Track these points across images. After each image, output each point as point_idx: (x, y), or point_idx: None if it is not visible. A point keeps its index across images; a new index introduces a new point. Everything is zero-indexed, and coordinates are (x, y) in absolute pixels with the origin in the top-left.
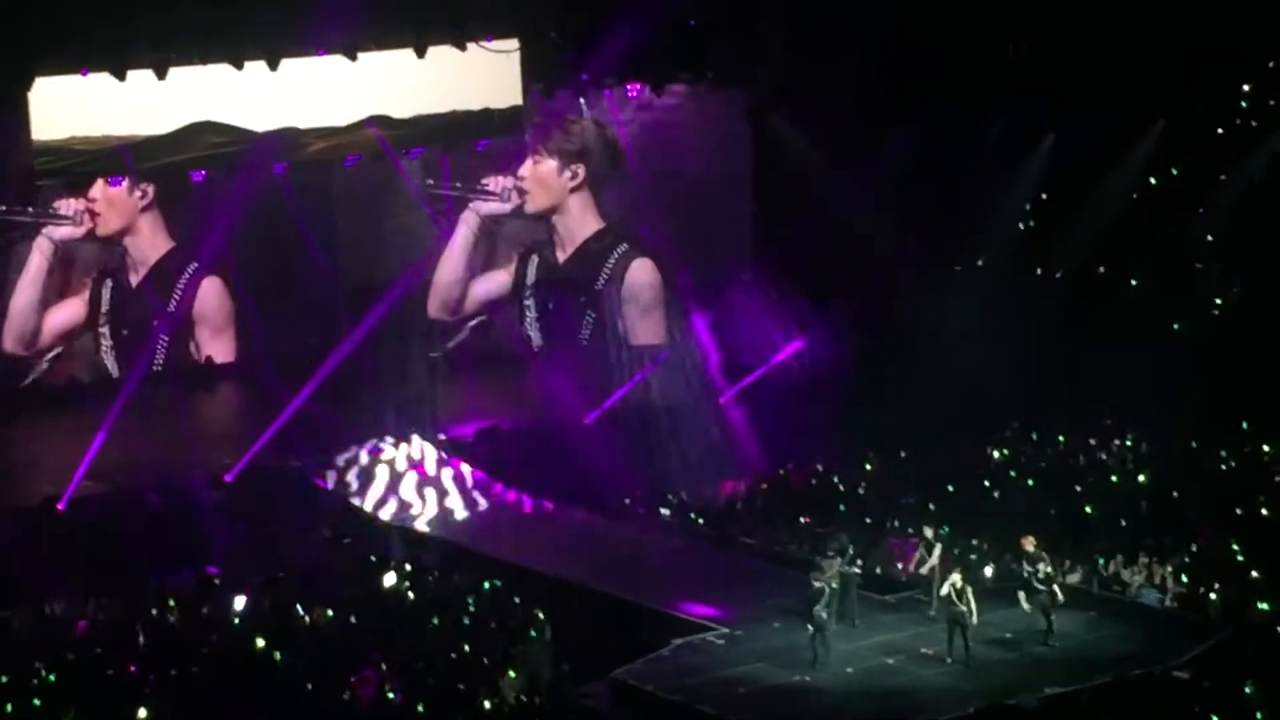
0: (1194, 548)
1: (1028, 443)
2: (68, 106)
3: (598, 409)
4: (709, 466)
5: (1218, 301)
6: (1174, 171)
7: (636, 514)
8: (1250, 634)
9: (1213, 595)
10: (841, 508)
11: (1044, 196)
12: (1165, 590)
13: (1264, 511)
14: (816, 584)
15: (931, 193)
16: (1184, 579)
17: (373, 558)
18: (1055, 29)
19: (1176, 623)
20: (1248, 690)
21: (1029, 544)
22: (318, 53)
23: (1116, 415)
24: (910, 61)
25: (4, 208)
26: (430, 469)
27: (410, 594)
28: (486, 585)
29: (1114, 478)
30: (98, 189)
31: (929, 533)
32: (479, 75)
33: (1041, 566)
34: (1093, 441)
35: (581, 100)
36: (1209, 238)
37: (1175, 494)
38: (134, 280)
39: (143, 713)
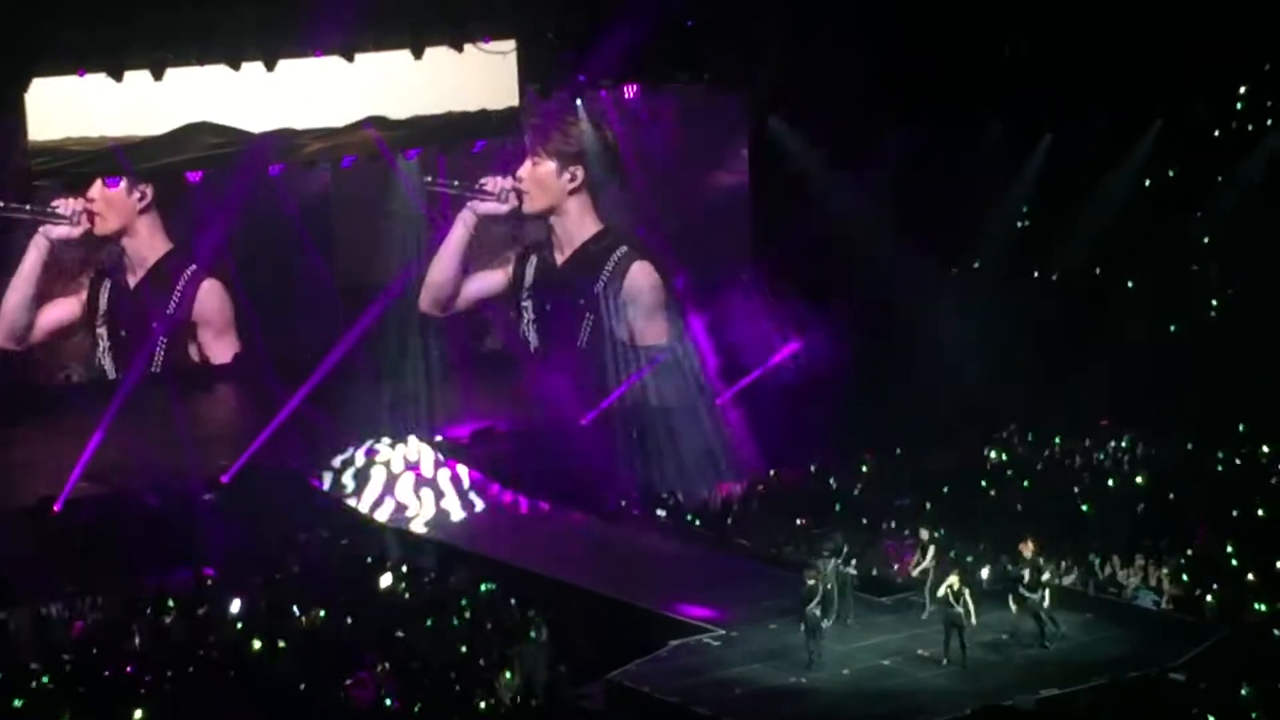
0: (1190, 550)
1: (1024, 444)
2: (64, 107)
3: (594, 410)
4: (706, 468)
5: (1215, 303)
6: (1171, 173)
7: (633, 515)
8: (1246, 635)
9: (1209, 597)
10: (838, 509)
11: (1041, 197)
12: (1161, 592)
13: (1260, 513)
14: (810, 582)
15: (929, 194)
16: (1183, 579)
17: (369, 559)
18: (1053, 30)
19: (1173, 624)
20: (1244, 692)
21: (1028, 549)
22: (315, 54)
23: (1113, 417)
24: (908, 62)
25: (1, 204)
26: (427, 470)
27: (406, 595)
28: (483, 586)
29: (1111, 479)
30: (96, 189)
31: (924, 534)
32: (476, 76)
33: (1028, 571)
34: (1089, 443)
35: (578, 101)
36: (1206, 239)
37: (1172, 496)
38: (132, 281)
39: (139, 714)
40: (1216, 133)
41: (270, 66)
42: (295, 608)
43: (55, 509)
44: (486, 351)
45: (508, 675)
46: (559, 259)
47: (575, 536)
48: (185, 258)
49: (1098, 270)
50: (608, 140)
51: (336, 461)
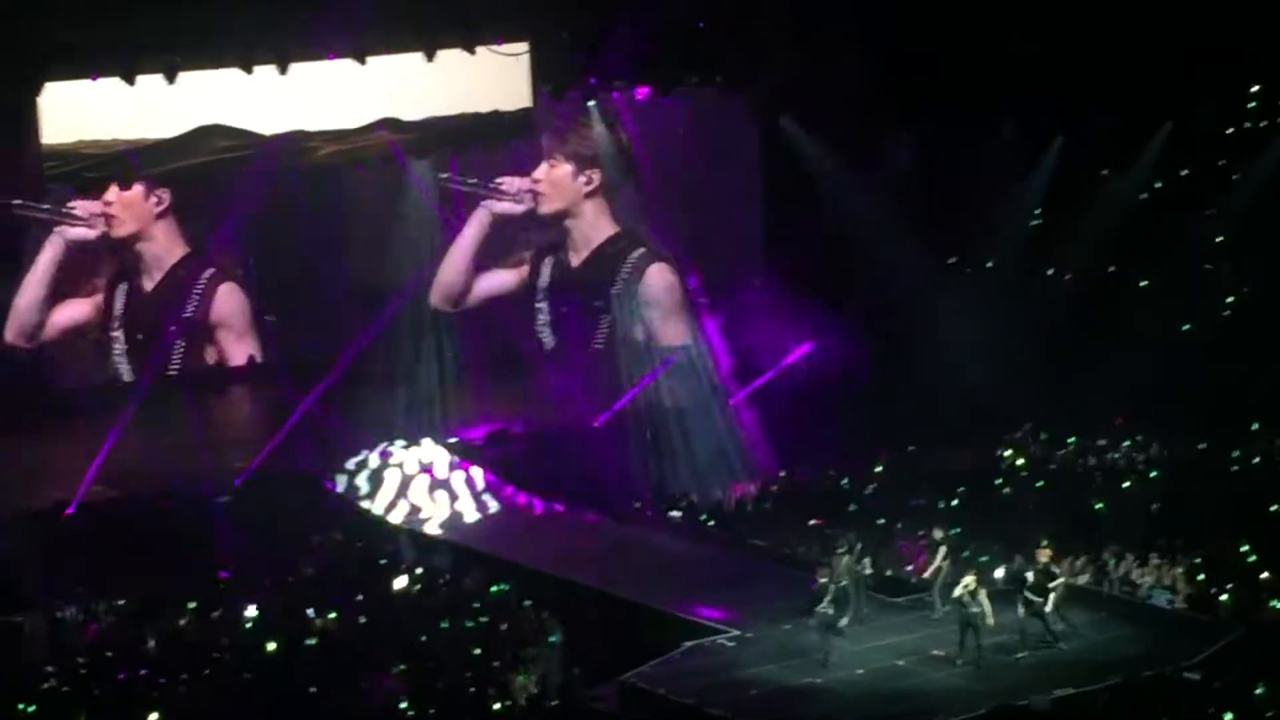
0: (1205, 548)
1: (1038, 443)
2: (77, 111)
3: (608, 412)
4: (719, 468)
5: (1229, 302)
6: (1183, 172)
7: (647, 516)
8: (1261, 634)
9: (1224, 596)
10: (852, 508)
11: (1053, 197)
12: (1176, 591)
13: (1275, 510)
14: (821, 580)
15: (940, 194)
16: (1197, 579)
17: (383, 561)
18: (1063, 30)
19: (1187, 623)
20: (1259, 691)
21: (1044, 554)
22: (327, 56)
23: (1127, 416)
24: (916, 63)
25: (19, 202)
26: (441, 472)
27: (421, 597)
28: (496, 588)
29: (1125, 479)
30: (113, 193)
31: (938, 534)
32: (488, 78)
33: (1032, 574)
34: (1103, 442)
35: (591, 103)
36: (1219, 238)
37: (1186, 495)
38: (148, 285)
39: (154, 717)
40: (1229, 131)
41: (282, 69)
42: (310, 610)
43: (69, 512)
44: (501, 354)
45: (522, 677)
46: (575, 261)
47: (589, 538)
48: (202, 262)
49: (1111, 270)
50: (622, 142)
51: (351, 464)
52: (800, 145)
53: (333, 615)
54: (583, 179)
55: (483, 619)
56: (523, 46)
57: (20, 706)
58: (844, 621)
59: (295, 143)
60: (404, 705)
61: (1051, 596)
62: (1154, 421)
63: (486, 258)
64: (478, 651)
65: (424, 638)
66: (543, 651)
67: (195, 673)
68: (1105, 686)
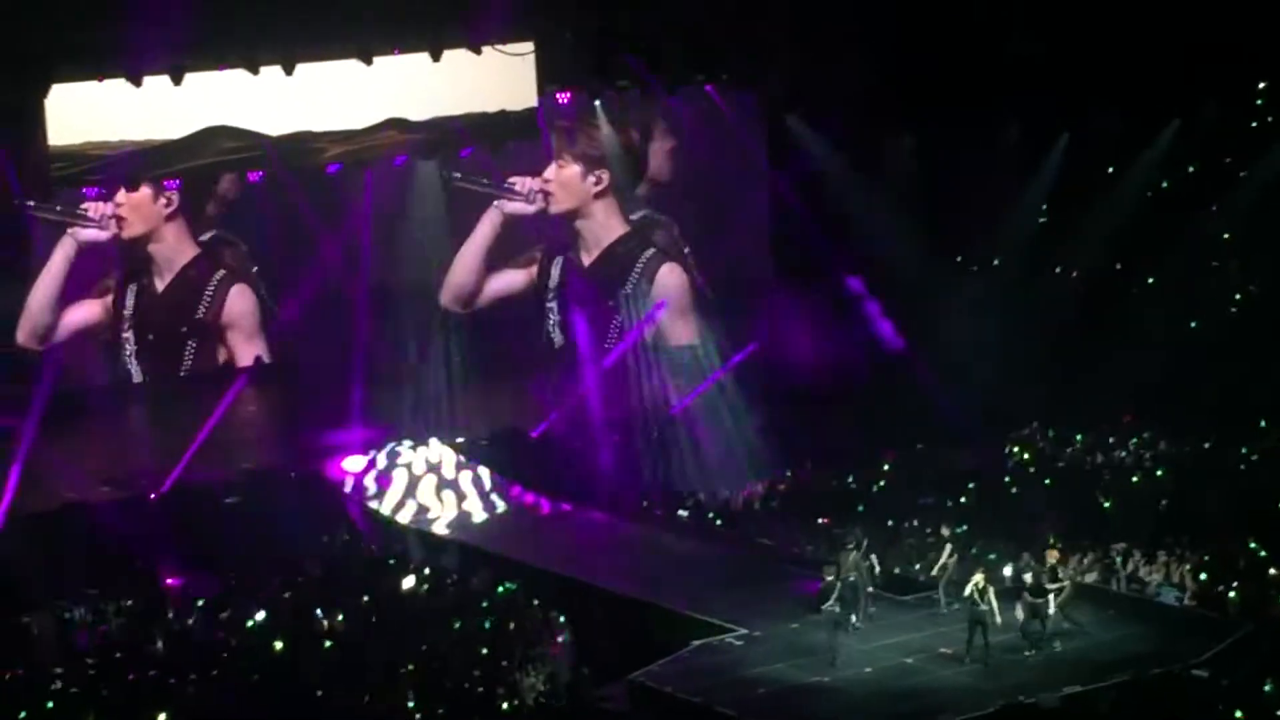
0: (1213, 546)
1: (1046, 441)
2: (84, 112)
3: (616, 410)
4: (727, 467)
5: (1236, 299)
6: (1190, 170)
7: (655, 515)
8: (1270, 631)
9: (1232, 593)
10: (860, 508)
11: (1061, 196)
12: (1184, 588)
13: None
14: (828, 578)
15: (947, 193)
16: (1203, 576)
17: (391, 561)
18: (1063, 30)
19: (1195, 621)
20: (1268, 688)
21: (1052, 555)
22: (333, 57)
23: (1135, 414)
24: (918, 63)
25: (32, 203)
26: (448, 472)
27: (429, 597)
28: (504, 588)
29: (1133, 476)
30: (122, 194)
31: (945, 532)
32: (494, 78)
33: (1031, 575)
34: (1111, 440)
35: (597, 103)
36: (1225, 236)
37: (1194, 492)
38: (159, 286)
39: (162, 717)
40: (1235, 130)
41: (289, 70)
42: (318, 610)
43: (82, 512)
44: (509, 353)
45: (530, 676)
46: (586, 260)
47: (597, 537)
48: (212, 263)
49: (1118, 268)
50: (630, 142)
51: (359, 463)
52: (808, 143)
53: (349, 617)
54: (591, 179)
55: (491, 616)
56: (528, 46)
57: (30, 707)
58: (854, 620)
59: (302, 143)
60: (411, 704)
61: (1052, 598)
62: (1161, 419)
63: (498, 258)
64: (486, 651)
65: (432, 637)
66: (551, 650)
67: (203, 672)
68: (1113, 684)
